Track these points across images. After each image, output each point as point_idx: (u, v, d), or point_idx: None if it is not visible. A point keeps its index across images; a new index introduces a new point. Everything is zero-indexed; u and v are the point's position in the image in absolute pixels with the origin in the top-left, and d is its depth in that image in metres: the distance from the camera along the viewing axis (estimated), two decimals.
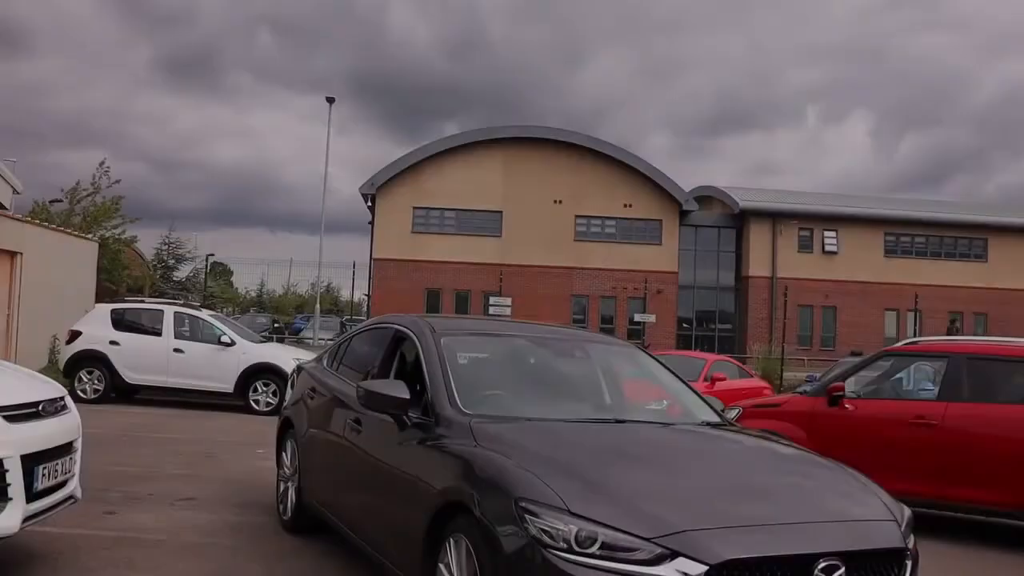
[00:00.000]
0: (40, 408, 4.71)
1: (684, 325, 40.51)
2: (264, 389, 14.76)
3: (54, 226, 20.14)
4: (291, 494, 6.29)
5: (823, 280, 40.12)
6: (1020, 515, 7.31)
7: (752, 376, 17.53)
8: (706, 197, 44.01)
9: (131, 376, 14.81)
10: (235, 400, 15.04)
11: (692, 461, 4.05)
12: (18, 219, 16.69)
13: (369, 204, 40.23)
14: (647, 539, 3.18)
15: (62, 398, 5.03)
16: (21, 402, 4.60)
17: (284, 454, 6.61)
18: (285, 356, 14.87)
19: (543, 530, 3.28)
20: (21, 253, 16.30)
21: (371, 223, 40.39)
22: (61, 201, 31.69)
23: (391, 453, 4.58)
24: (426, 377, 4.64)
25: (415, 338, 5.04)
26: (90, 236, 21.42)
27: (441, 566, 3.83)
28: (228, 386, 14.75)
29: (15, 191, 15.47)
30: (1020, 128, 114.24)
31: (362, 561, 5.53)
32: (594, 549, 3.19)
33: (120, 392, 15.19)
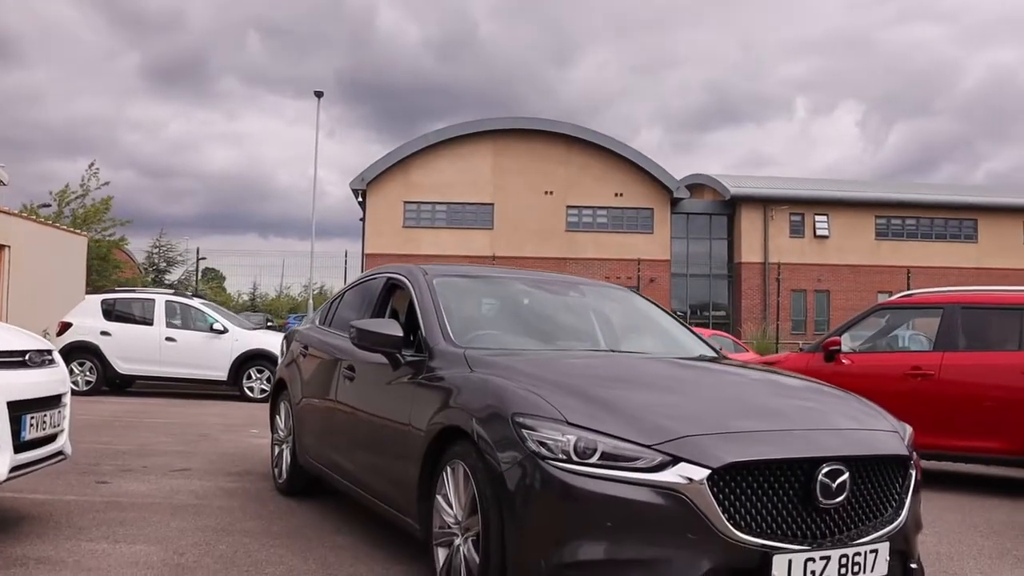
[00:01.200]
0: (27, 358, 4.63)
1: (678, 313, 40.48)
2: (258, 376, 14.71)
3: (42, 220, 20.02)
4: (286, 456, 6.22)
5: (815, 264, 40.17)
6: (1016, 462, 7.29)
7: (747, 351, 17.51)
8: (697, 185, 44.03)
9: (123, 366, 14.72)
10: (229, 388, 14.98)
11: (693, 385, 3.98)
12: (5, 212, 16.54)
13: (360, 200, 40.13)
14: (648, 446, 3.12)
15: (49, 351, 4.95)
16: (6, 349, 4.52)
17: (278, 417, 6.53)
18: (278, 342, 14.76)
19: (540, 442, 3.21)
20: (8, 246, 16.16)
21: (362, 219, 40.28)
22: (49, 205, 31.52)
23: (385, 393, 4.52)
24: (419, 315, 4.58)
25: (408, 282, 4.97)
26: (79, 232, 21.25)
27: (439, 498, 3.76)
28: (222, 373, 14.68)
29: (1, 182, 15.31)
30: (1007, 115, 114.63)
31: (359, 517, 5.49)
32: (594, 459, 3.12)
33: (112, 385, 15.11)
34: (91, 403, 12.66)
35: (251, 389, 14.65)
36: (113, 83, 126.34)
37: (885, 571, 3.33)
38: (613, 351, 4.66)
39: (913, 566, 3.59)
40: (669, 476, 3.06)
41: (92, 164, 31.15)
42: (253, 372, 14.73)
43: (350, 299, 6.03)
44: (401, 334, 4.44)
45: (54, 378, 4.84)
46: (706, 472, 3.05)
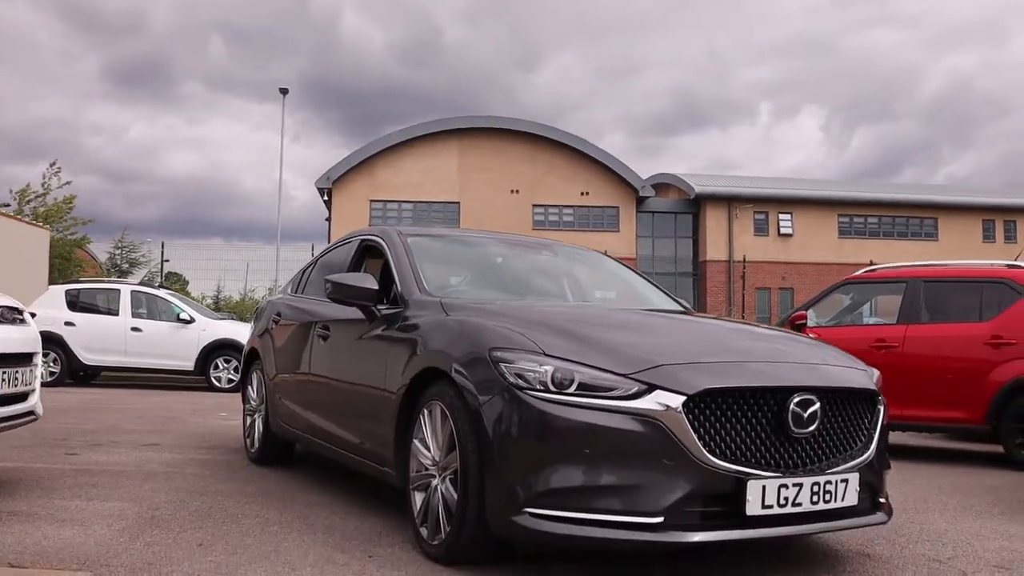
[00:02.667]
0: None
1: None
2: (225, 366, 14.59)
3: (4, 213, 19.74)
4: (258, 425, 6.20)
5: (779, 262, 40.59)
6: (977, 430, 7.46)
7: None
8: (662, 184, 44.34)
9: (88, 357, 14.55)
10: (196, 378, 14.89)
11: (666, 329, 4.01)
12: None
13: (326, 199, 39.98)
14: (624, 375, 3.17)
15: (20, 311, 4.92)
16: None
17: (250, 387, 6.51)
18: (246, 332, 14.64)
19: (518, 374, 3.24)
20: None
21: (328, 219, 40.13)
22: (9, 205, 31.03)
23: (360, 346, 4.53)
24: (394, 270, 4.59)
25: (382, 241, 4.98)
26: (41, 225, 20.99)
27: (415, 442, 3.77)
28: (188, 363, 14.55)
29: None
30: (967, 120, 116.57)
31: (334, 480, 5.52)
32: (572, 389, 3.17)
33: (76, 377, 14.94)
34: (56, 393, 12.49)
35: (218, 379, 14.54)
36: (73, 87, 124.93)
37: (855, 501, 3.41)
38: (586, 302, 4.72)
39: (882, 500, 3.68)
40: (646, 403, 3.11)
41: (54, 163, 30.73)
42: (220, 362, 14.61)
43: (323, 263, 6.02)
44: (376, 287, 4.46)
45: (25, 336, 4.81)
46: (681, 399, 3.11)
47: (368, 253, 5.30)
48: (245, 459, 6.39)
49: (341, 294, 4.50)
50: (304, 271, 6.40)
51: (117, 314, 14.76)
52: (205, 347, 14.56)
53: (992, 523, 4.86)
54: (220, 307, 55.10)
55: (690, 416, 3.11)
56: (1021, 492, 6.00)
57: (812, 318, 8.39)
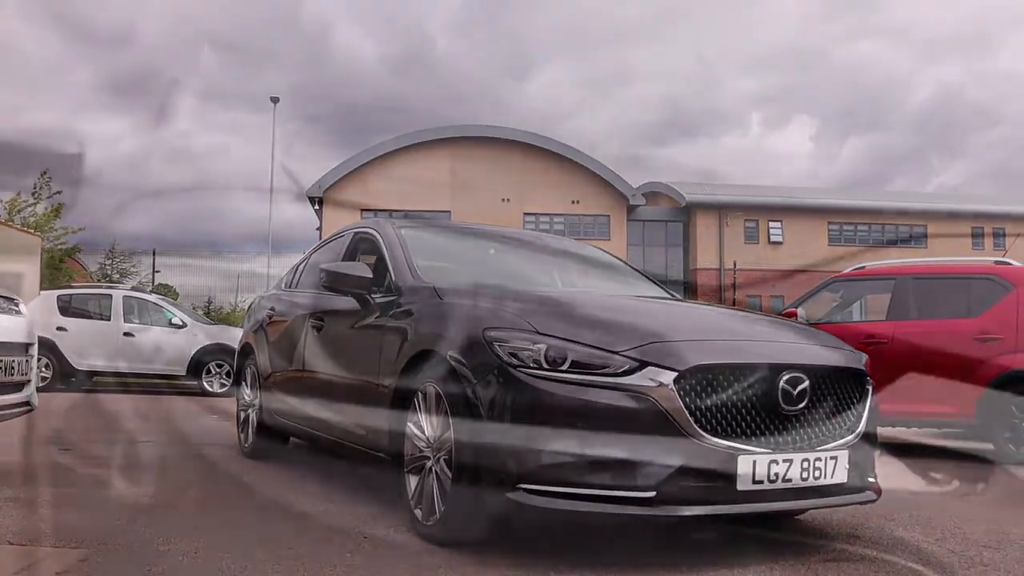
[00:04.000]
0: None
1: None
2: (217, 370, 14.56)
3: None
4: (252, 419, 6.21)
5: (770, 270, 40.67)
6: (965, 424, 7.52)
7: None
8: (653, 193, 44.39)
9: (79, 362, 14.49)
10: (189, 383, 14.86)
11: (658, 311, 4.05)
12: None
13: (316, 208, 39.93)
14: (616, 352, 3.21)
15: (16, 301, 4.94)
16: None
17: (244, 383, 6.53)
18: (238, 336, 14.62)
19: (512, 353, 3.28)
20: None
21: (319, 229, 40.06)
22: None
23: (355, 334, 4.56)
24: (388, 260, 4.63)
25: (376, 233, 5.01)
26: (33, 232, 20.98)
27: (410, 425, 3.80)
28: (181, 368, 14.51)
29: None
30: (957, 130, 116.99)
31: (329, 472, 5.54)
32: (565, 366, 3.21)
33: (68, 382, 14.87)
34: (47, 397, 12.42)
35: (211, 384, 14.50)
36: (64, 97, 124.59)
37: (845, 478, 3.46)
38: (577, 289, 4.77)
39: (871, 479, 3.73)
40: (637, 379, 3.15)
41: (44, 172, 30.61)
42: (213, 367, 14.58)
43: (315, 261, 6.05)
44: (371, 276, 4.50)
45: (20, 325, 4.83)
46: (673, 375, 3.15)
47: (361, 247, 5.33)
48: (239, 454, 6.41)
49: (336, 282, 4.54)
50: (297, 267, 6.43)
51: (109, 319, 14.73)
52: (197, 352, 14.52)
53: (981, 510, 4.92)
54: (212, 320, 55.03)
55: (681, 392, 3.15)
56: (1009, 484, 6.08)
57: (802, 315, 8.44)
